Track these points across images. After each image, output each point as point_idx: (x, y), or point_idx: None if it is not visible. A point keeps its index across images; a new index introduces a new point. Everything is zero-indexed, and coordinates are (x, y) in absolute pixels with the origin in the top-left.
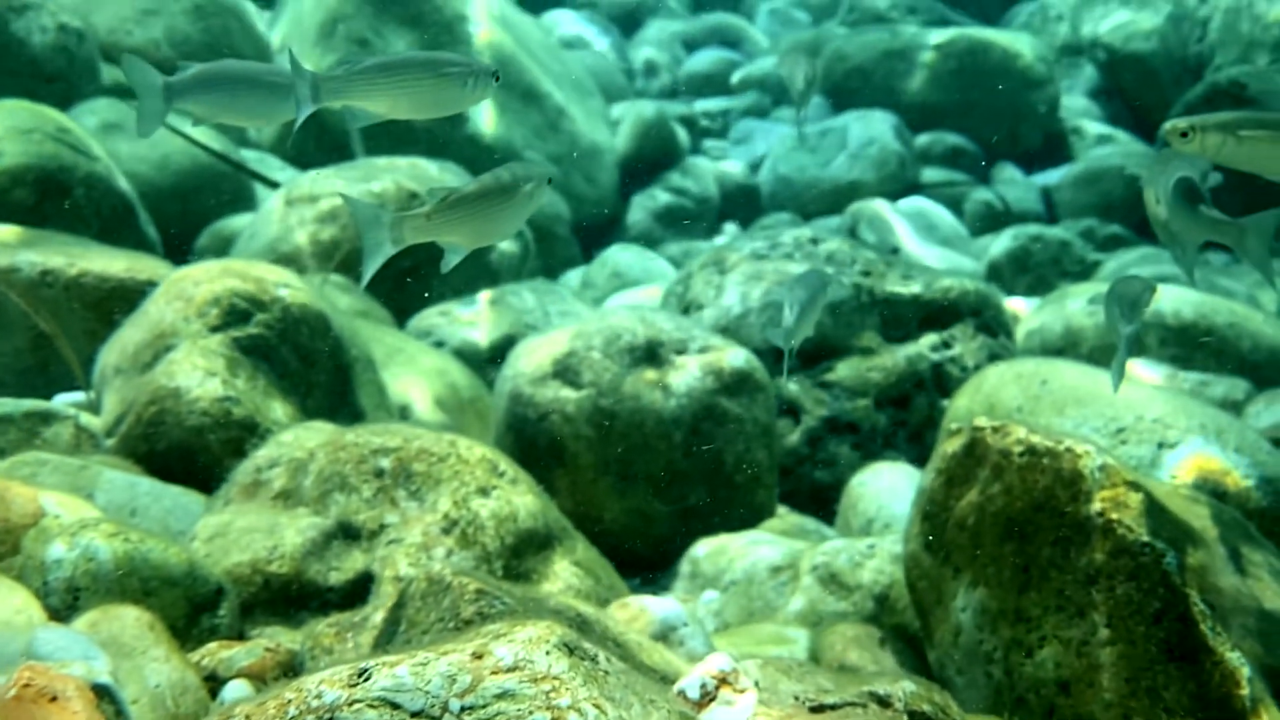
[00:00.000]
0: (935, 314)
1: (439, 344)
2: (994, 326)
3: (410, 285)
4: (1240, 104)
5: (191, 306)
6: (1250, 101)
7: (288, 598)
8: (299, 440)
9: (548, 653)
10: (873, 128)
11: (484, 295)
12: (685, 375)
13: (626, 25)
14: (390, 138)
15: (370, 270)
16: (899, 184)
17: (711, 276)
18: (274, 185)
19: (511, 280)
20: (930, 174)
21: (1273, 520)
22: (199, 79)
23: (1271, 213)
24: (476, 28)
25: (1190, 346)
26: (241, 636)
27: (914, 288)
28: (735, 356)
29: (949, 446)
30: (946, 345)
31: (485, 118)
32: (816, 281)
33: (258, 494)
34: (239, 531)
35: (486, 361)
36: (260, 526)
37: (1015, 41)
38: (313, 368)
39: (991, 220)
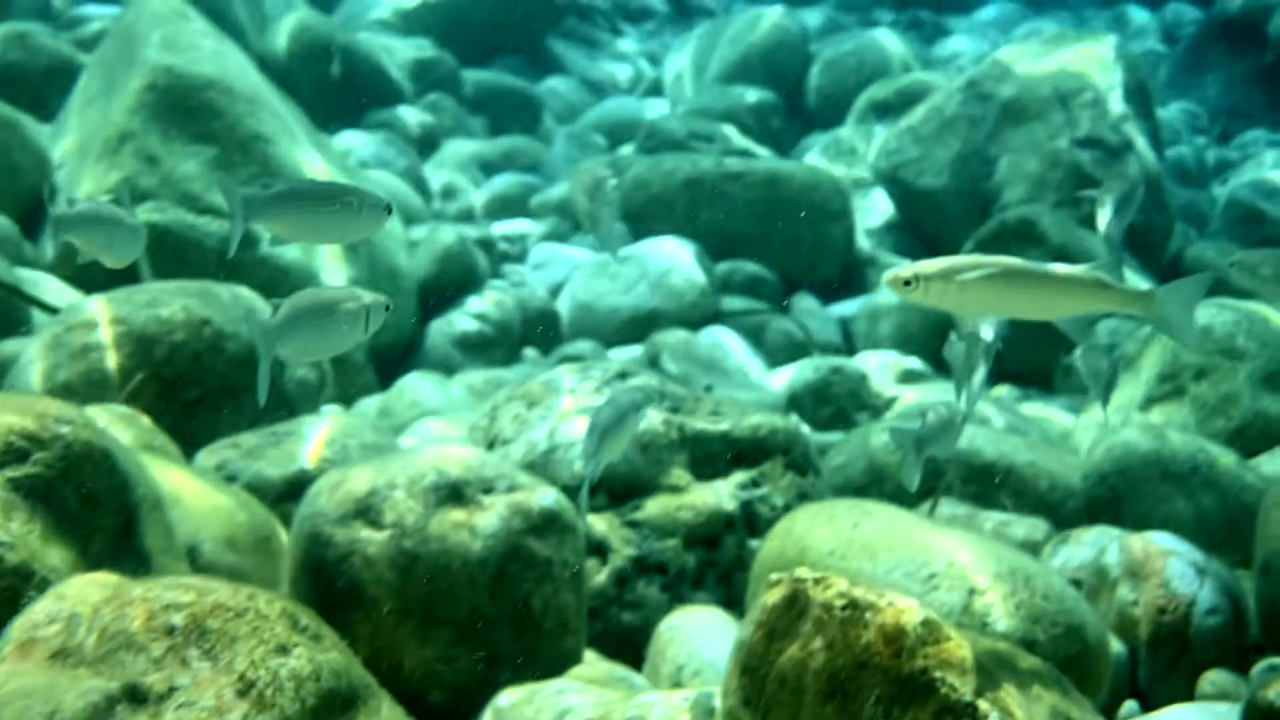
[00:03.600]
0: (745, 451)
1: (231, 478)
2: (803, 465)
3: (200, 415)
4: (1029, 242)
5: None
6: (1039, 240)
7: None
8: (82, 593)
9: None
10: (673, 256)
11: (279, 427)
12: (492, 516)
13: (423, 147)
14: (177, 260)
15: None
16: (700, 313)
17: (518, 410)
18: (53, 310)
19: (308, 410)
20: (730, 303)
21: (1080, 671)
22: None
23: (981, 340)
24: (272, 147)
25: (991, 485)
26: None
27: (723, 425)
28: (544, 496)
29: (769, 598)
30: (756, 484)
31: None
32: (627, 404)
33: (34, 652)
34: (12, 695)
35: (282, 497)
36: (37, 689)
37: (812, 173)
38: (96, 510)
39: (791, 351)
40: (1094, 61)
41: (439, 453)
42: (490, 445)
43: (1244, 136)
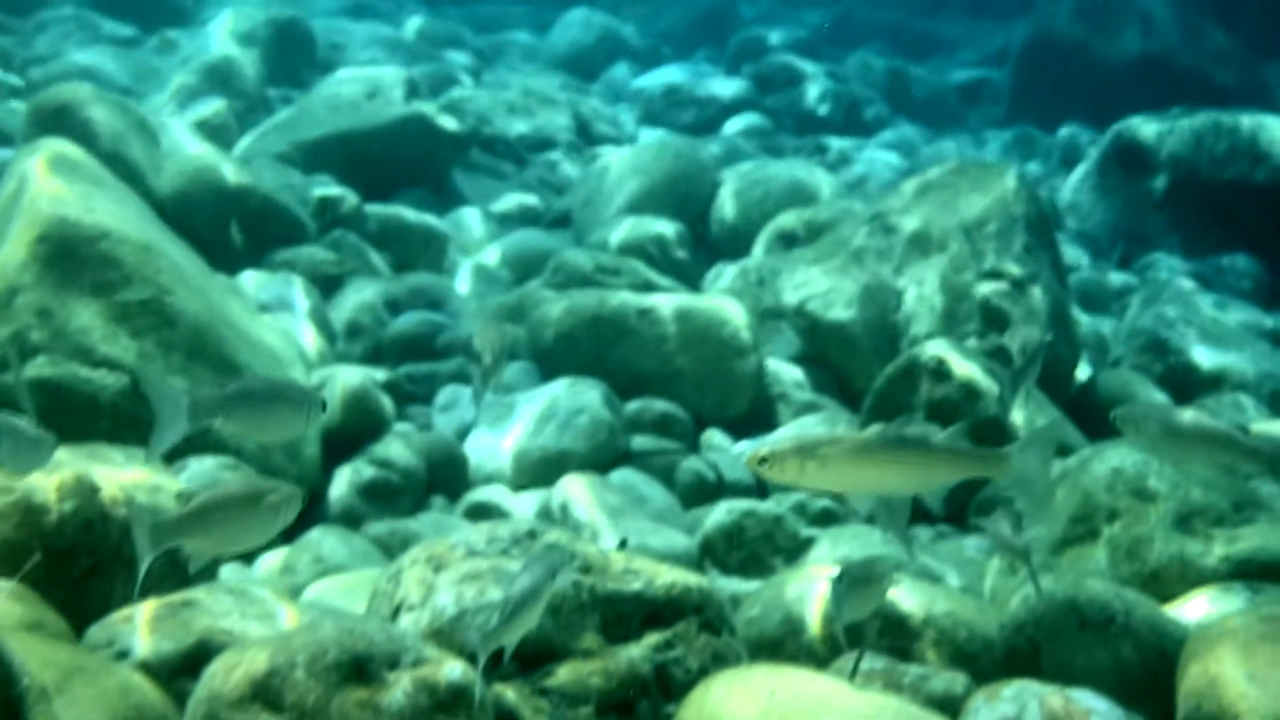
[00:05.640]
0: (658, 612)
1: (122, 654)
2: (717, 624)
3: (92, 587)
4: (939, 379)
5: None
6: (948, 377)
7: None
8: None
9: None
10: (581, 396)
11: (174, 597)
12: (397, 692)
13: (326, 286)
14: (71, 415)
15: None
16: (609, 453)
17: (424, 574)
18: None
19: (207, 576)
20: (640, 442)
21: None
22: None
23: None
24: (169, 296)
25: (909, 638)
26: None
27: (635, 585)
28: (451, 670)
29: None
30: (670, 645)
31: None
32: (541, 574)
33: None
34: None
35: (177, 673)
36: None
37: (721, 307)
38: None
39: (703, 492)
40: (996, 192)
41: (342, 626)
42: (395, 611)
43: (1143, 260)
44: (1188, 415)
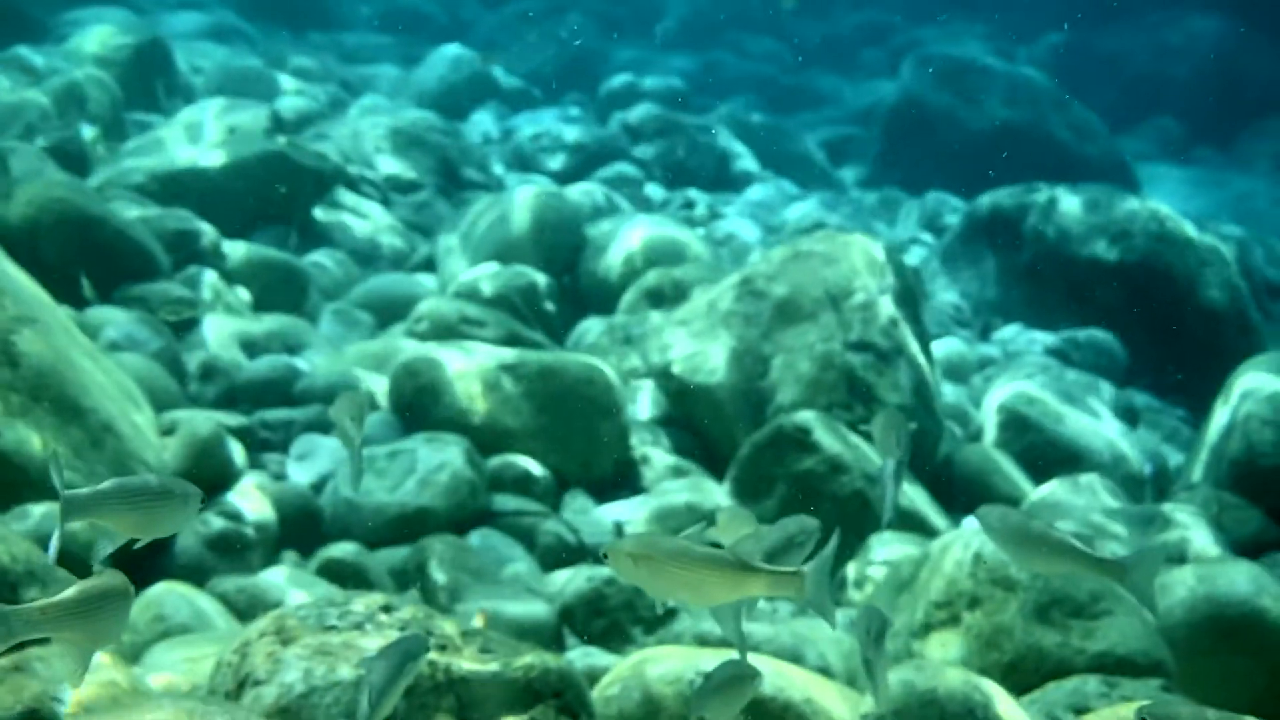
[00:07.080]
0: (515, 695)
1: None
2: (575, 708)
3: None
4: (804, 450)
5: None
6: (813, 449)
7: None
8: None
9: None
10: (443, 451)
11: (3, 660)
12: None
13: (179, 325)
14: None
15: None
16: (469, 512)
17: (272, 647)
18: None
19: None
20: (502, 501)
21: None
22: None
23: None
24: (13, 335)
25: None
26: None
27: (493, 665)
28: None
29: None
30: None
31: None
32: (403, 654)
33: None
34: None
35: None
36: None
37: (586, 366)
38: None
39: (563, 555)
40: (864, 263)
41: (182, 706)
42: (240, 685)
43: (1005, 332)
44: (1034, 524)
